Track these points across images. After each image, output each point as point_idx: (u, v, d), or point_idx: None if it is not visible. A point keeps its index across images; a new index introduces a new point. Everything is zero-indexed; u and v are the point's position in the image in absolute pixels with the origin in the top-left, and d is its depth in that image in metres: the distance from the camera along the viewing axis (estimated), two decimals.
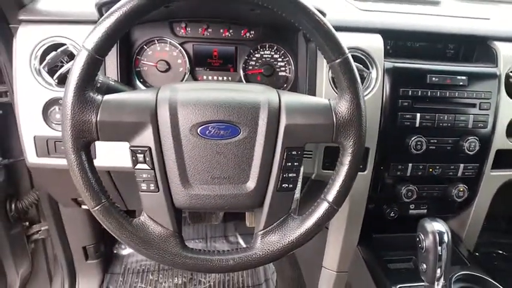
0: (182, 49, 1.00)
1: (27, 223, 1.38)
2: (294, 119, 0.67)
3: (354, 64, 0.66)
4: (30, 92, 0.88)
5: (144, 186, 0.66)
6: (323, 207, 0.69)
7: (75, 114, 0.61)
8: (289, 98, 0.69)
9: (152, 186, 0.66)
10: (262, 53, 1.03)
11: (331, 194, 0.68)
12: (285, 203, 0.71)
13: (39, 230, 1.41)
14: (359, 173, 0.70)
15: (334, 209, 0.69)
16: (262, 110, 0.66)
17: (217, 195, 0.68)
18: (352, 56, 0.68)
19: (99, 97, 0.63)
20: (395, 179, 1.02)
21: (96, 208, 0.64)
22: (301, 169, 0.70)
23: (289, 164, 0.68)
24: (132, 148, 0.65)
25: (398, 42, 1.07)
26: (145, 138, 0.64)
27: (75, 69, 0.60)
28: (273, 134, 0.67)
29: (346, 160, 0.68)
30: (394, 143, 0.97)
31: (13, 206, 1.28)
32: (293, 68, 1.03)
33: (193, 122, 0.65)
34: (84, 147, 0.63)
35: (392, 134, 0.96)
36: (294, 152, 0.68)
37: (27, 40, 0.87)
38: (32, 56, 0.88)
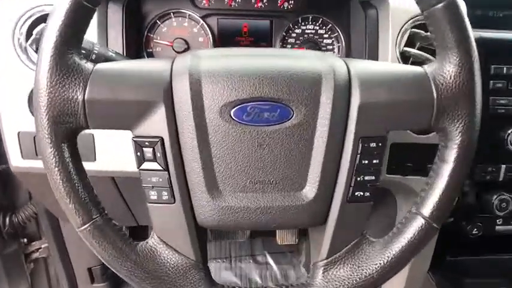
0: (205, 24, 0.81)
1: (25, 240, 1.20)
2: (373, 94, 0.46)
3: (463, 10, 0.44)
4: (13, 75, 0.70)
5: (153, 195, 0.47)
6: (416, 224, 0.47)
7: (53, 88, 0.43)
8: (363, 66, 0.50)
9: (165, 195, 0.47)
10: (304, 27, 0.83)
11: (428, 206, 0.47)
12: (358, 219, 0.49)
13: (39, 248, 1.23)
14: None
15: (433, 228, 0.48)
16: (324, 82, 0.46)
17: (259, 208, 0.47)
18: None
19: (88, 65, 0.45)
20: (482, 185, 0.79)
21: (84, 227, 0.45)
22: (383, 170, 0.48)
23: (366, 161, 0.47)
24: (136, 139, 0.46)
25: (477, 11, 0.85)
26: (155, 125, 0.45)
27: (54, 20, 0.42)
28: (342, 118, 0.47)
29: (451, 155, 0.46)
30: (483, 137, 0.73)
31: (7, 220, 1.10)
32: (343, 45, 0.83)
33: (224, 100, 0.45)
34: (66, 137, 0.44)
35: (480, 125, 0.73)
36: (372, 144, 0.47)
37: (10, 10, 0.69)
38: (17, 30, 0.69)
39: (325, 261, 0.49)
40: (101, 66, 0.45)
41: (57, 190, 0.45)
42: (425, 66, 0.48)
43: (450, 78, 0.45)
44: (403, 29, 0.70)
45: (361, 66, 0.49)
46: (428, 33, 0.66)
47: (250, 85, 0.45)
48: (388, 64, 0.55)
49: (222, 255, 1.49)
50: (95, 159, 0.72)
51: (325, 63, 0.48)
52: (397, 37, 0.70)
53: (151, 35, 0.81)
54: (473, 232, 0.83)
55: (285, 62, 0.47)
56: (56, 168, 0.44)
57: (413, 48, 0.72)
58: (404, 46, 0.71)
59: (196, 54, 0.49)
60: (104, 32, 0.72)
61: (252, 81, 0.45)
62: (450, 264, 0.91)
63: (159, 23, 0.81)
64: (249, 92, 0.45)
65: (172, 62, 0.48)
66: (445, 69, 0.45)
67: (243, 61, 0.47)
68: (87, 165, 0.74)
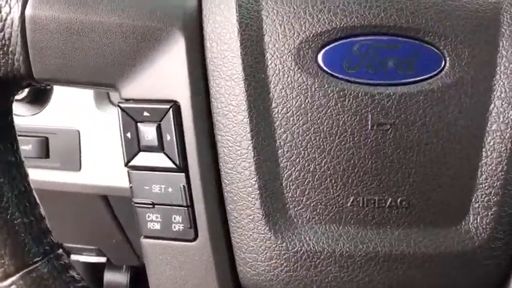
0: None
1: None
2: None
3: None
4: None
5: (153, 220, 0.24)
6: None
7: None
8: None
9: (178, 224, 0.24)
10: None
11: None
12: None
13: None
14: None
15: None
16: (509, 9, 0.23)
17: (373, 259, 0.25)
18: None
19: None
20: None
21: (8, 283, 0.23)
22: None
23: None
24: (124, 106, 0.24)
25: None
26: (164, 78, 0.24)
27: None
28: None
29: None
30: None
31: None
32: None
33: (305, 32, 0.24)
34: None
35: None
36: None
37: None
38: None
39: None
40: None
41: None
42: None
43: None
44: None
45: None
46: None
47: (359, 3, 0.23)
48: None
49: None
50: (80, 168, 0.50)
51: None
52: None
53: None
54: None
55: None
56: None
57: None
58: None
59: None
60: None
61: None
62: None
63: None
64: (356, 15, 0.23)
65: None
66: None
67: None
68: (69, 177, 0.52)
